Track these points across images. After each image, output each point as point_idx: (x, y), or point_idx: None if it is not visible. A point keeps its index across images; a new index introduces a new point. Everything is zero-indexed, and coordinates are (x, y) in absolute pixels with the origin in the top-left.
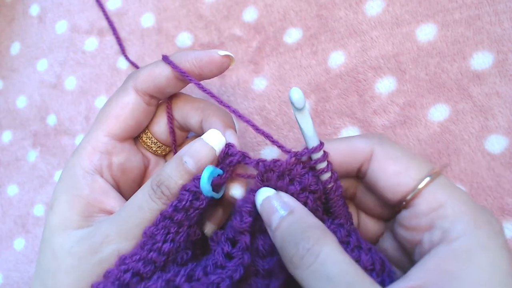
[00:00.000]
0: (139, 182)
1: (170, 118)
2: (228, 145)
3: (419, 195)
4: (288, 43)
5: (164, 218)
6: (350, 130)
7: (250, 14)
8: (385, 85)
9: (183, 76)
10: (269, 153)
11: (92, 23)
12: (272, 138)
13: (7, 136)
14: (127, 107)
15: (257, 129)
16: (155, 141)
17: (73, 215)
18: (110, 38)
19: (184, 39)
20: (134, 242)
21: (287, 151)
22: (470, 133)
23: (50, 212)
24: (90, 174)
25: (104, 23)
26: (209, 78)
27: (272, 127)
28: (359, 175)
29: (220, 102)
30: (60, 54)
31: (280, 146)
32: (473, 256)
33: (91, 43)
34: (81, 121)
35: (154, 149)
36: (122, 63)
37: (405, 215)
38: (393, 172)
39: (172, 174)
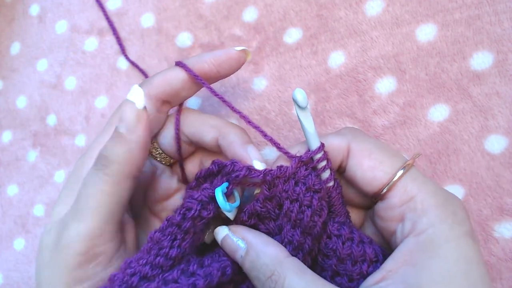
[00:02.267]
0: (145, 188)
1: (178, 132)
2: (233, 161)
3: (393, 188)
4: (288, 43)
5: (171, 224)
6: None
7: (250, 14)
8: (385, 85)
9: (197, 80)
10: (269, 153)
11: (92, 23)
12: (279, 144)
13: (7, 136)
14: None
15: (265, 135)
16: (160, 151)
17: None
18: (110, 38)
19: (184, 39)
20: (88, 223)
21: (292, 157)
22: (470, 133)
23: (53, 212)
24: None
25: (104, 23)
26: (227, 76)
27: (272, 127)
28: (340, 170)
29: (232, 107)
30: (60, 54)
31: (286, 153)
32: (437, 247)
33: (91, 43)
34: (81, 121)
35: (158, 159)
36: (122, 63)
37: (381, 207)
38: (368, 167)
39: (108, 144)
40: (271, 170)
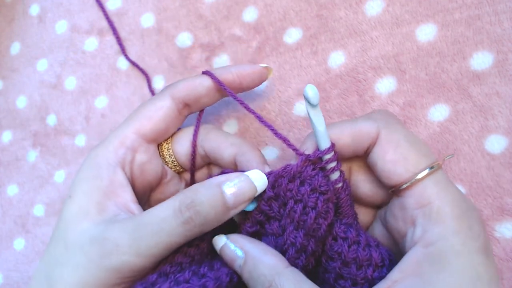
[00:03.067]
0: (154, 188)
1: (195, 144)
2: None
3: (411, 188)
4: (288, 43)
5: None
6: None
7: (250, 14)
8: (385, 85)
9: (222, 87)
10: (270, 152)
11: (92, 23)
12: (289, 141)
13: (7, 136)
14: (161, 110)
15: (276, 133)
16: (173, 159)
17: (89, 206)
18: (110, 38)
19: (184, 39)
20: (146, 260)
21: (300, 154)
22: (470, 133)
23: (69, 201)
24: (113, 166)
25: (104, 23)
26: (248, 89)
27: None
28: (364, 154)
29: (259, 118)
30: (60, 54)
31: (295, 150)
32: (447, 262)
33: (91, 43)
34: (81, 121)
35: (169, 164)
36: (122, 63)
37: (396, 203)
38: (391, 160)
39: (206, 200)
40: (273, 172)
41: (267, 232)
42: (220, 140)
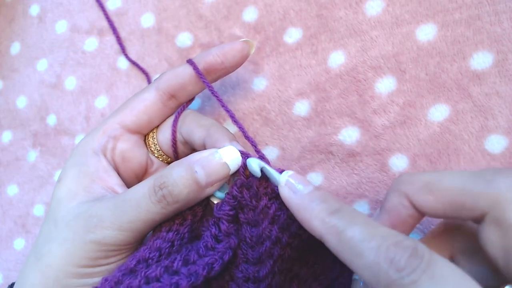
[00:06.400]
0: (140, 176)
1: (174, 130)
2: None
3: None
4: (288, 43)
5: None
6: (350, 130)
7: (250, 14)
8: (385, 85)
9: (200, 77)
10: (270, 152)
11: (92, 23)
12: (256, 146)
13: (7, 136)
14: (143, 102)
15: (246, 135)
16: (159, 148)
17: (78, 189)
18: (110, 38)
19: (184, 39)
20: (129, 234)
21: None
22: (470, 133)
23: (58, 185)
24: (97, 154)
25: (104, 23)
26: (233, 68)
27: (272, 127)
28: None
29: (231, 116)
30: (60, 54)
31: (258, 151)
32: None
33: (91, 43)
34: (81, 121)
35: (156, 154)
36: (122, 63)
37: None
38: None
39: (178, 180)
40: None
41: (241, 221)
42: (192, 124)
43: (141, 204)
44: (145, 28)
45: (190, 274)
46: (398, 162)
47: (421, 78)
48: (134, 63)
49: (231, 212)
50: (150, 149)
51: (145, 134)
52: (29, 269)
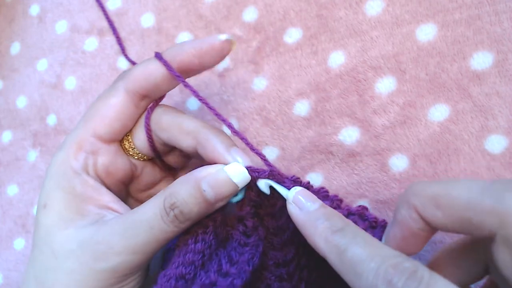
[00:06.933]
0: (127, 183)
1: (149, 133)
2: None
3: None
4: (288, 43)
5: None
6: (350, 130)
7: (250, 14)
8: (385, 85)
9: (172, 74)
10: (270, 152)
11: (92, 23)
12: (250, 145)
13: (7, 136)
14: (114, 108)
15: (243, 139)
16: (137, 151)
17: (70, 214)
18: (110, 38)
19: (184, 39)
20: (143, 256)
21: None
22: (470, 133)
23: (44, 211)
24: (78, 174)
25: (104, 23)
26: (211, 67)
27: (272, 127)
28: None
29: (206, 104)
30: (60, 54)
31: (265, 159)
32: None
33: (91, 43)
34: None
35: (136, 157)
36: (122, 63)
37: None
38: None
39: (188, 199)
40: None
41: (262, 214)
42: (173, 130)
43: (153, 226)
44: (145, 28)
45: (240, 272)
46: (398, 162)
47: (421, 78)
48: (134, 63)
49: (252, 210)
50: (129, 153)
51: (119, 140)
52: None
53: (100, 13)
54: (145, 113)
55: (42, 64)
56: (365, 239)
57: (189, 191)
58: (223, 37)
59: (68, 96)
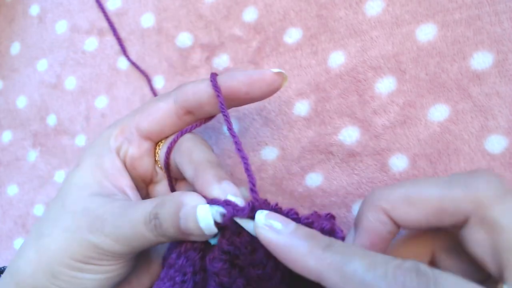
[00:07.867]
0: (147, 182)
1: (168, 155)
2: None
3: None
4: (288, 43)
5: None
6: (350, 130)
7: (250, 14)
8: (385, 85)
9: (219, 100)
10: (270, 152)
11: (92, 23)
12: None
13: (7, 136)
14: (159, 111)
15: (247, 170)
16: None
17: (91, 181)
18: (110, 38)
19: (184, 39)
20: (125, 248)
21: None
22: (470, 133)
23: (76, 169)
24: (111, 152)
25: (104, 23)
26: (259, 99)
27: (272, 127)
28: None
29: (237, 145)
30: (60, 54)
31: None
32: None
33: (91, 43)
34: (81, 121)
35: (158, 165)
36: (122, 63)
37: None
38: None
39: (168, 217)
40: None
41: (241, 265)
42: (184, 158)
43: (136, 227)
44: (145, 28)
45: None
46: (398, 162)
47: (421, 78)
48: (134, 63)
49: (225, 266)
50: (155, 158)
51: (155, 141)
52: (29, 244)
53: (100, 13)
54: (181, 131)
55: (42, 64)
56: (356, 250)
57: (171, 211)
58: (275, 70)
59: (68, 96)
